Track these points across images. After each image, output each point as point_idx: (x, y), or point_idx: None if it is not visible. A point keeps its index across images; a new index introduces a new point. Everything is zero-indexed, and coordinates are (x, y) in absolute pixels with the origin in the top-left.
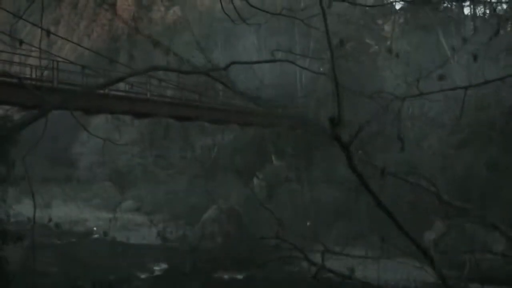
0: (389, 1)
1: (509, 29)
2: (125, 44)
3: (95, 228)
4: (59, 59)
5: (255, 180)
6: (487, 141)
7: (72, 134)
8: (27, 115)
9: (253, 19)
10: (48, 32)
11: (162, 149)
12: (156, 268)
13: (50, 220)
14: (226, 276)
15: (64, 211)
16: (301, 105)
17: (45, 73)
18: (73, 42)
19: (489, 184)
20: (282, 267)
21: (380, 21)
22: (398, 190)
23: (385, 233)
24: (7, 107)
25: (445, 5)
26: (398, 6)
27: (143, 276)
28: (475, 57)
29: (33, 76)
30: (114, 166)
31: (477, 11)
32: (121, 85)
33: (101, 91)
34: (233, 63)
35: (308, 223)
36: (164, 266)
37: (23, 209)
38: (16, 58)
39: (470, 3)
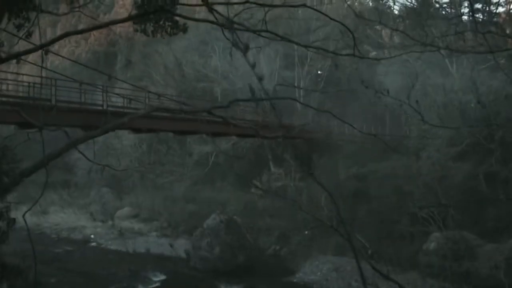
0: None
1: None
2: (123, 48)
3: (92, 236)
4: (57, 75)
5: (253, 188)
6: (486, 153)
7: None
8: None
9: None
10: (47, 51)
11: (160, 154)
12: (155, 279)
13: None
14: (224, 287)
15: (61, 217)
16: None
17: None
18: (68, 59)
19: (487, 196)
20: (281, 277)
21: (378, 28)
22: (399, 202)
23: (383, 241)
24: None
25: (443, 13)
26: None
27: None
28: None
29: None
30: (112, 171)
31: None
32: (120, 100)
33: (99, 108)
34: (236, 100)
35: (306, 232)
36: (162, 277)
37: (20, 215)
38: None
39: (469, 10)
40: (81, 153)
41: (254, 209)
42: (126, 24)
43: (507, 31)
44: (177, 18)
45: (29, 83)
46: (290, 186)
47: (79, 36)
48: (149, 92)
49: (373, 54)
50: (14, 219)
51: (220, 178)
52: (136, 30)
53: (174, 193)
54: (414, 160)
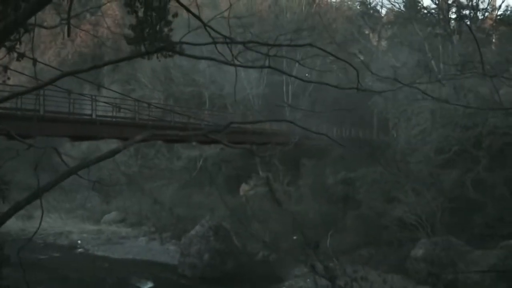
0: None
1: (494, 40)
2: (110, 51)
3: (79, 241)
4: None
5: (242, 192)
6: (473, 160)
7: (56, 141)
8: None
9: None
10: (35, 61)
11: (148, 158)
12: (143, 286)
13: None
14: None
15: (47, 222)
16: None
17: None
18: (57, 69)
19: (475, 203)
20: (270, 284)
21: (366, 32)
22: (386, 207)
23: (373, 247)
24: None
25: (431, 18)
26: (385, 18)
27: None
28: None
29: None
30: (98, 175)
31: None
32: (109, 109)
33: (89, 117)
34: (232, 123)
35: (294, 237)
36: (150, 284)
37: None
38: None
39: (456, 16)
40: (80, 176)
41: (242, 214)
42: (113, 26)
43: (494, 37)
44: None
45: (16, 93)
46: (278, 190)
47: (65, 37)
48: (139, 101)
49: (361, 58)
50: (8, 257)
51: (208, 183)
52: (132, 52)
53: (162, 198)
54: (402, 165)
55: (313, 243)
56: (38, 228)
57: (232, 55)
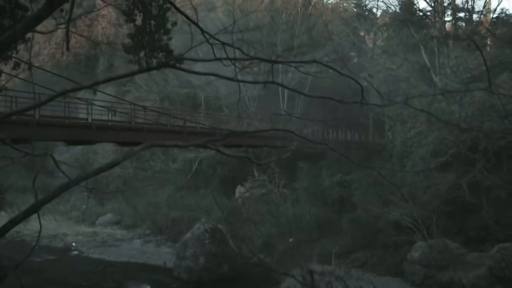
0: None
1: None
2: (105, 51)
3: (74, 244)
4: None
5: (237, 194)
6: (470, 163)
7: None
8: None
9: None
10: (31, 65)
11: (143, 161)
12: None
13: None
14: None
15: (42, 224)
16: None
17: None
18: (52, 73)
19: (470, 205)
20: (266, 287)
21: (362, 33)
22: (382, 210)
23: (369, 250)
24: None
25: (427, 21)
26: (380, 20)
27: None
28: None
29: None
30: (94, 178)
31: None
32: (105, 112)
33: (84, 121)
34: (232, 132)
35: (290, 240)
36: (146, 287)
37: (1, 221)
38: None
39: (452, 18)
40: (78, 185)
41: (238, 216)
42: (108, 26)
43: (489, 39)
44: (172, 48)
45: (11, 97)
46: (274, 192)
47: (59, 38)
48: (135, 104)
49: (356, 60)
50: (6, 275)
51: (204, 185)
52: (130, 61)
53: (157, 200)
54: (398, 168)
55: (306, 270)
56: (35, 245)
57: (235, 67)
